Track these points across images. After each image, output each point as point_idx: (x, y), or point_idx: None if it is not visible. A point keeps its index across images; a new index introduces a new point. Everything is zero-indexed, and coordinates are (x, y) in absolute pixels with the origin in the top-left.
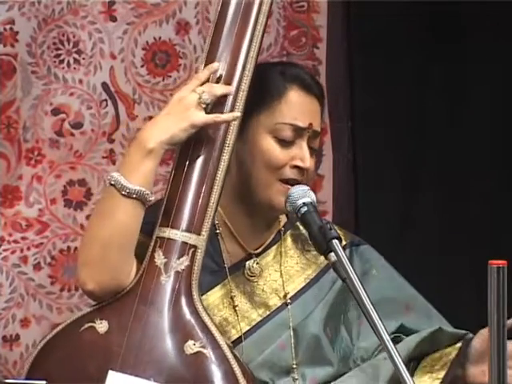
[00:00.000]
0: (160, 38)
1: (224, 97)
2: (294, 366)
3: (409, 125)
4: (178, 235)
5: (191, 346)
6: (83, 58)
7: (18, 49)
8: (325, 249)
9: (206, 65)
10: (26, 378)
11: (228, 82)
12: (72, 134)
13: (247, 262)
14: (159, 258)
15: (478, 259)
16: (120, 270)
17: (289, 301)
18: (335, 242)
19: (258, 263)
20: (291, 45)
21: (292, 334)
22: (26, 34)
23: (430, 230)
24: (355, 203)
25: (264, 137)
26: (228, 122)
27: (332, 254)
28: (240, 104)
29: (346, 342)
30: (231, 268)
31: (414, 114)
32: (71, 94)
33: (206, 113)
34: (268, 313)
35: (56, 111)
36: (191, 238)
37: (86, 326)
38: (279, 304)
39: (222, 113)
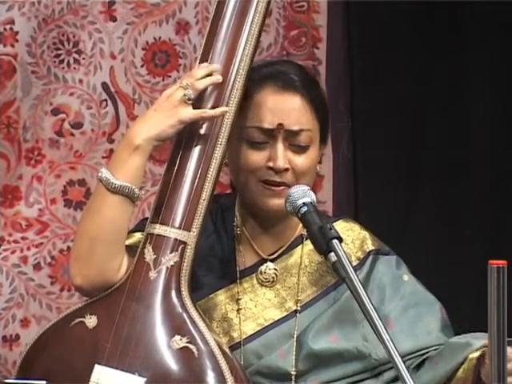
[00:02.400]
0: (160, 37)
1: (219, 95)
2: (294, 372)
3: (408, 124)
4: (167, 231)
5: (178, 341)
6: (83, 58)
7: (17, 49)
8: (325, 249)
9: (200, 62)
10: (25, 378)
11: (222, 81)
12: (72, 134)
13: (261, 267)
14: (148, 254)
15: (477, 259)
16: (107, 266)
17: (299, 308)
18: (335, 241)
19: (275, 268)
20: (291, 45)
21: (295, 343)
22: (26, 34)
23: (430, 230)
24: (355, 203)
25: (237, 142)
26: (215, 117)
27: (332, 253)
28: (234, 102)
29: (363, 341)
30: (243, 271)
31: (413, 113)
32: (71, 94)
33: (195, 107)
34: (275, 319)
35: (56, 111)
36: (181, 235)
37: (76, 321)
38: (289, 312)
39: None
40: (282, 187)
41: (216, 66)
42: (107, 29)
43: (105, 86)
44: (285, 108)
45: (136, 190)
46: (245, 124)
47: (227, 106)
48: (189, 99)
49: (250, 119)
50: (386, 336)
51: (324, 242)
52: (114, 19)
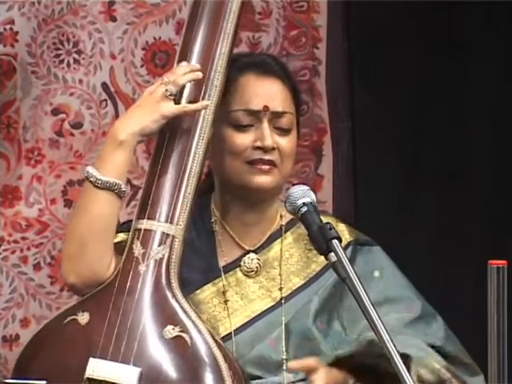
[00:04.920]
0: (160, 37)
1: (198, 93)
2: (284, 360)
3: (408, 125)
4: (154, 225)
5: (170, 331)
6: (83, 58)
7: (17, 49)
8: (325, 249)
9: (178, 62)
10: (25, 378)
11: (201, 78)
12: (72, 134)
13: (244, 258)
14: (137, 249)
15: (478, 259)
16: (99, 262)
17: (283, 300)
18: (335, 241)
19: (258, 259)
20: (291, 45)
21: (284, 329)
22: (26, 34)
23: (430, 230)
24: (355, 203)
25: (222, 127)
26: (197, 111)
27: (332, 253)
28: (213, 99)
29: (340, 336)
30: (226, 266)
31: (413, 113)
32: (71, 94)
33: (176, 103)
34: (261, 310)
35: (56, 111)
36: (168, 228)
37: (69, 318)
38: (274, 302)
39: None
40: (269, 166)
41: (197, 65)
42: (107, 29)
43: (105, 86)
44: (269, 91)
45: (122, 185)
46: (229, 108)
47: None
48: (170, 94)
49: (234, 103)
50: (385, 336)
51: (324, 242)
52: (113, 19)
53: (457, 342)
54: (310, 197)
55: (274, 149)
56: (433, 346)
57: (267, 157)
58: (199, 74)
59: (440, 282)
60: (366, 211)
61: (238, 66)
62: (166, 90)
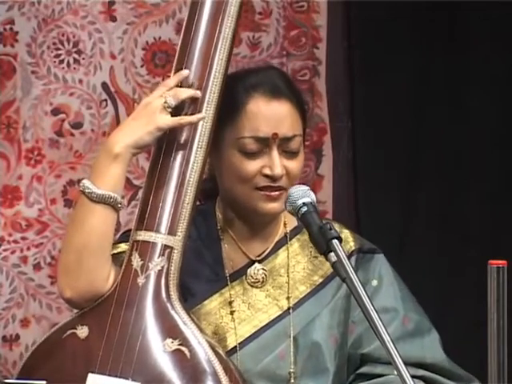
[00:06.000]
0: (160, 37)
1: (195, 99)
2: (292, 373)
3: (408, 125)
4: (152, 237)
5: (169, 344)
6: (83, 58)
7: (17, 49)
8: (325, 249)
9: (175, 69)
10: (25, 378)
11: (198, 86)
12: (72, 134)
13: (249, 268)
14: (135, 261)
15: (478, 259)
16: (96, 275)
17: (291, 310)
18: (335, 241)
19: (263, 269)
20: (291, 45)
21: (292, 342)
22: (26, 33)
23: (430, 230)
24: (355, 203)
25: (230, 152)
26: (193, 124)
27: (332, 253)
28: (211, 106)
29: (349, 352)
30: (232, 275)
31: (413, 113)
32: (71, 94)
33: (173, 115)
34: (269, 320)
35: (56, 111)
36: (166, 239)
37: (68, 332)
38: (282, 311)
39: (192, 114)
40: (278, 192)
41: (199, 92)
42: (107, 29)
43: (105, 86)
44: (277, 116)
45: (118, 198)
46: (238, 135)
47: (206, 109)
48: (169, 107)
49: (242, 130)
50: (386, 337)
51: (324, 242)
52: (113, 19)
53: (445, 358)
54: (310, 197)
55: (282, 175)
56: (424, 362)
57: (276, 183)
58: (198, 93)
59: (440, 282)
60: (366, 211)
61: (245, 87)
62: (165, 102)
